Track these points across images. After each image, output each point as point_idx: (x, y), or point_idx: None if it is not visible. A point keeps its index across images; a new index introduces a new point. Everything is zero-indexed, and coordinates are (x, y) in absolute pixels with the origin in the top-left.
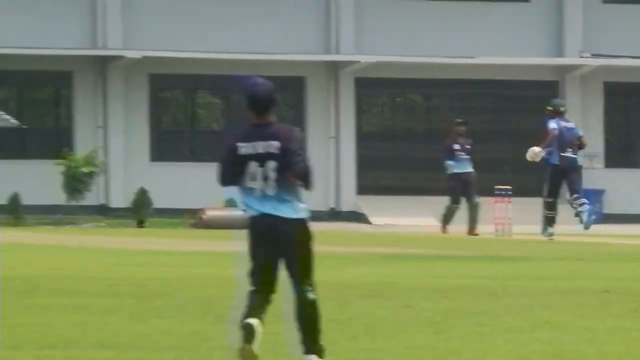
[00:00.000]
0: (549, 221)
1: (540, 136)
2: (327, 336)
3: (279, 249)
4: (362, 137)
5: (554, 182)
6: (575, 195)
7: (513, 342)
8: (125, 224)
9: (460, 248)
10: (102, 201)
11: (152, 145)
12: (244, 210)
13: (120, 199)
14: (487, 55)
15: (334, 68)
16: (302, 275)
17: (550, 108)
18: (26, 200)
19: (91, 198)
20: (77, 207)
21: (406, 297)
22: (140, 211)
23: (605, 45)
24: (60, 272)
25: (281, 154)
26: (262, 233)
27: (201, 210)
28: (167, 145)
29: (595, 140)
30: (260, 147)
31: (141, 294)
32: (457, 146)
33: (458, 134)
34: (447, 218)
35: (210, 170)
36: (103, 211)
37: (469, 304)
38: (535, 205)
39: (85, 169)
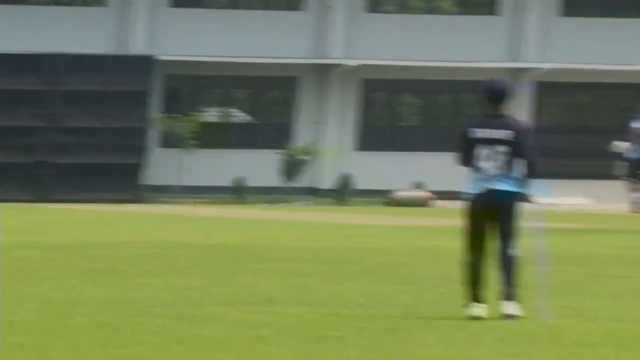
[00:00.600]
0: None
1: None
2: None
3: (497, 215)
4: None
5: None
6: None
7: (628, 306)
8: (330, 202)
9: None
10: (312, 184)
11: (358, 137)
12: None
13: (328, 182)
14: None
15: None
16: (508, 236)
17: None
18: (250, 183)
19: (303, 181)
20: (290, 189)
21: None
22: (344, 192)
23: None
24: (271, 242)
25: (512, 142)
26: (485, 203)
27: (394, 191)
28: (370, 138)
29: None
30: (493, 133)
31: (338, 260)
32: None
33: None
34: None
35: (405, 159)
36: (312, 192)
37: (613, 271)
38: None
39: (302, 157)
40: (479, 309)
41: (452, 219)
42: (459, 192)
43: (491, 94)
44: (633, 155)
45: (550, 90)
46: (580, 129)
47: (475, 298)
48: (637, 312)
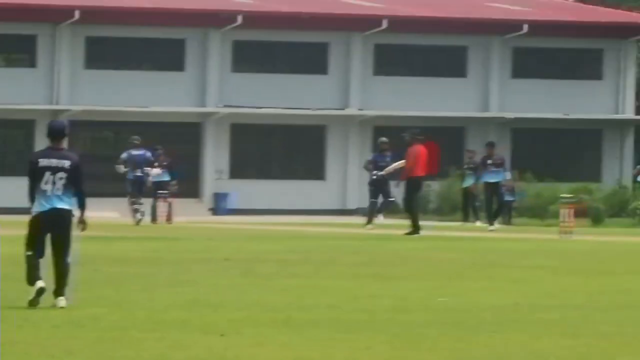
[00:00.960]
0: None
1: None
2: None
3: (55, 228)
4: None
5: None
6: None
7: (164, 293)
8: None
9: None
10: None
11: None
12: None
13: None
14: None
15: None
16: (65, 246)
17: None
18: None
19: None
20: None
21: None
22: None
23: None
24: None
25: (69, 170)
26: (47, 218)
27: None
28: None
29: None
30: (54, 162)
31: None
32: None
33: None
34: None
35: None
36: None
37: (141, 269)
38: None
39: None
40: (40, 283)
41: (14, 229)
42: (25, 208)
43: (52, 132)
44: (130, 177)
45: (81, 126)
46: (108, 157)
47: (36, 278)
48: (158, 301)
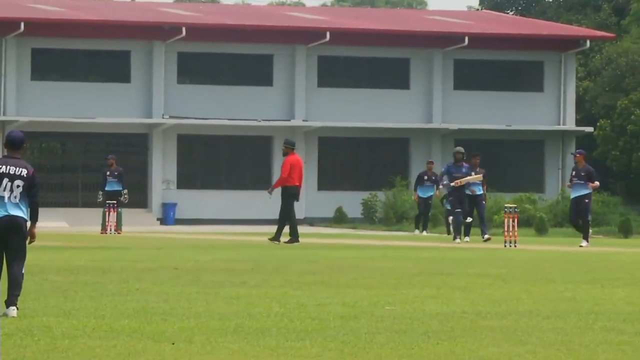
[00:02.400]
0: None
1: None
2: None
3: (10, 237)
4: None
5: None
6: None
7: (114, 302)
8: None
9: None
10: None
11: None
12: None
13: None
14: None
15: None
16: (20, 257)
17: None
18: None
19: None
20: None
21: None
22: None
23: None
24: None
25: (26, 179)
26: (3, 225)
27: None
28: None
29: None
30: (12, 169)
31: None
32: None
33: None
34: None
35: None
36: None
37: (90, 278)
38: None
39: None
40: None
41: None
42: None
43: (11, 142)
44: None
45: (28, 137)
46: (56, 168)
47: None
48: (108, 309)
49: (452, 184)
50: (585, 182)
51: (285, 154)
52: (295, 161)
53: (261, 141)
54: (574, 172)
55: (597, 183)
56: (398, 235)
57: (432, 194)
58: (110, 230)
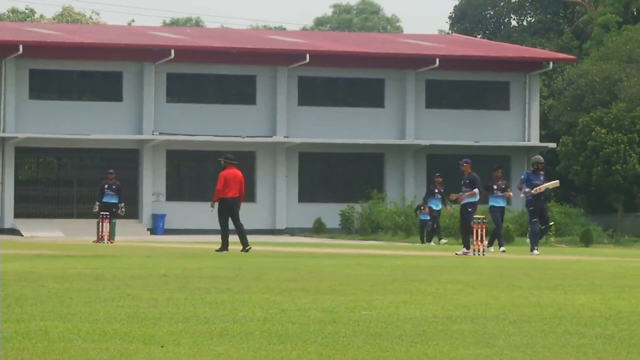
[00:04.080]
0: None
1: None
2: None
3: None
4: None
5: None
6: None
7: (106, 307)
8: None
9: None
10: None
11: None
12: None
13: None
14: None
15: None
16: None
17: None
18: None
19: None
20: None
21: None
22: None
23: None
24: None
25: None
26: None
27: None
28: None
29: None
30: None
31: None
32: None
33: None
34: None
35: None
36: None
37: (84, 285)
38: None
39: None
40: None
41: None
42: None
43: None
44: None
45: (26, 153)
46: (52, 181)
47: None
48: (102, 314)
49: (533, 191)
50: (470, 190)
51: (223, 168)
52: (231, 175)
53: (245, 156)
54: (462, 182)
55: (474, 191)
56: (374, 245)
57: (442, 206)
58: (104, 239)
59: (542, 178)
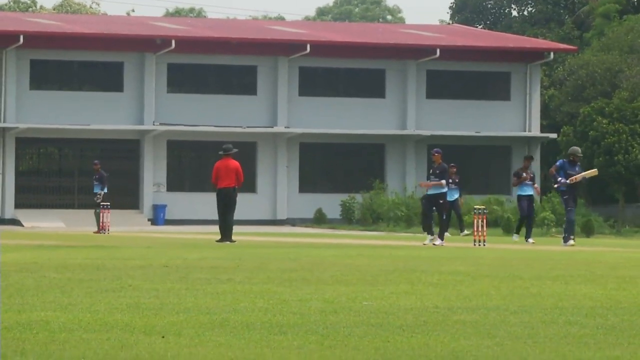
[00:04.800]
0: None
1: None
2: None
3: None
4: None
5: None
6: None
7: (107, 297)
8: None
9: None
10: None
11: None
12: None
13: None
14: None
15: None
16: None
17: None
18: None
19: None
20: None
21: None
22: None
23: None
24: None
25: None
26: None
27: None
28: None
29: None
30: None
31: None
32: None
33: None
34: None
35: None
36: None
37: (85, 275)
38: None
39: None
40: None
41: None
42: None
43: None
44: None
45: (27, 143)
46: (53, 172)
47: None
48: (103, 304)
49: (568, 181)
50: (439, 180)
51: (221, 158)
52: (222, 165)
53: (246, 147)
54: (431, 171)
55: (442, 182)
56: (375, 235)
57: (457, 196)
58: (105, 230)
59: (577, 169)
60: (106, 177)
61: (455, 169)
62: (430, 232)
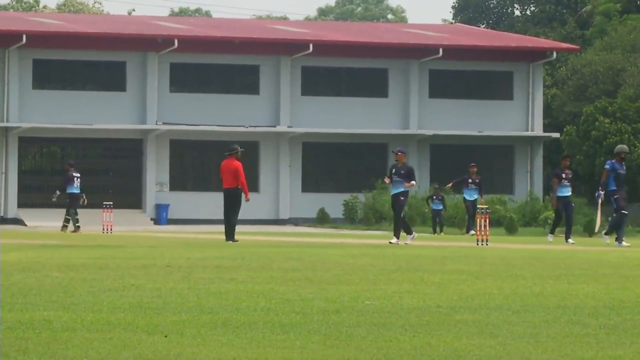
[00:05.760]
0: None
1: None
2: None
3: None
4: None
5: None
6: None
7: (110, 297)
8: None
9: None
10: None
11: None
12: None
13: None
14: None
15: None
16: None
17: None
18: None
19: None
20: None
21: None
22: None
23: (173, 117)
24: None
25: None
26: None
27: None
28: None
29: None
30: None
31: None
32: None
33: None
34: None
35: None
36: None
37: (88, 275)
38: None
39: None
40: None
41: None
42: None
43: None
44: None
45: (30, 142)
46: (56, 171)
47: None
48: (105, 304)
49: (601, 194)
50: (402, 181)
51: (225, 158)
52: (224, 166)
53: (248, 146)
54: (394, 170)
55: (412, 182)
56: (377, 235)
57: (477, 196)
58: (108, 230)
59: (624, 167)
60: (70, 179)
61: (476, 169)
62: (409, 232)
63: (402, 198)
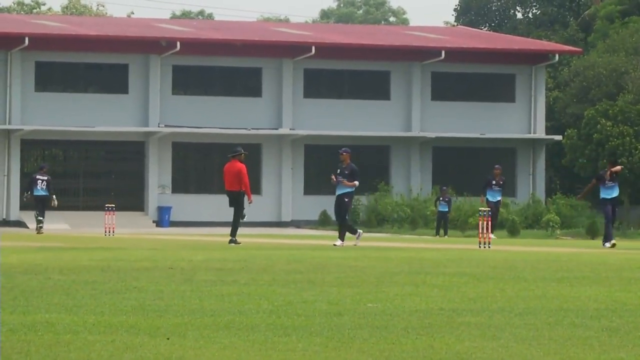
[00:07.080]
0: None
1: None
2: None
3: None
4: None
5: None
6: None
7: (112, 299)
8: None
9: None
10: None
11: None
12: None
13: None
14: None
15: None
16: None
17: None
18: None
19: None
20: None
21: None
22: None
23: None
24: None
25: None
26: None
27: None
28: None
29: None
30: None
31: None
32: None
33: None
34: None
35: None
36: None
37: (90, 277)
38: None
39: None
40: None
41: None
42: None
43: None
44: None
45: (32, 145)
46: (58, 174)
47: None
48: (107, 306)
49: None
50: (350, 180)
51: (229, 161)
52: (227, 168)
53: (250, 148)
54: (339, 170)
55: (355, 182)
56: (379, 237)
57: (500, 198)
58: (111, 232)
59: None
60: (33, 181)
61: (500, 171)
62: (353, 232)
63: (346, 199)
